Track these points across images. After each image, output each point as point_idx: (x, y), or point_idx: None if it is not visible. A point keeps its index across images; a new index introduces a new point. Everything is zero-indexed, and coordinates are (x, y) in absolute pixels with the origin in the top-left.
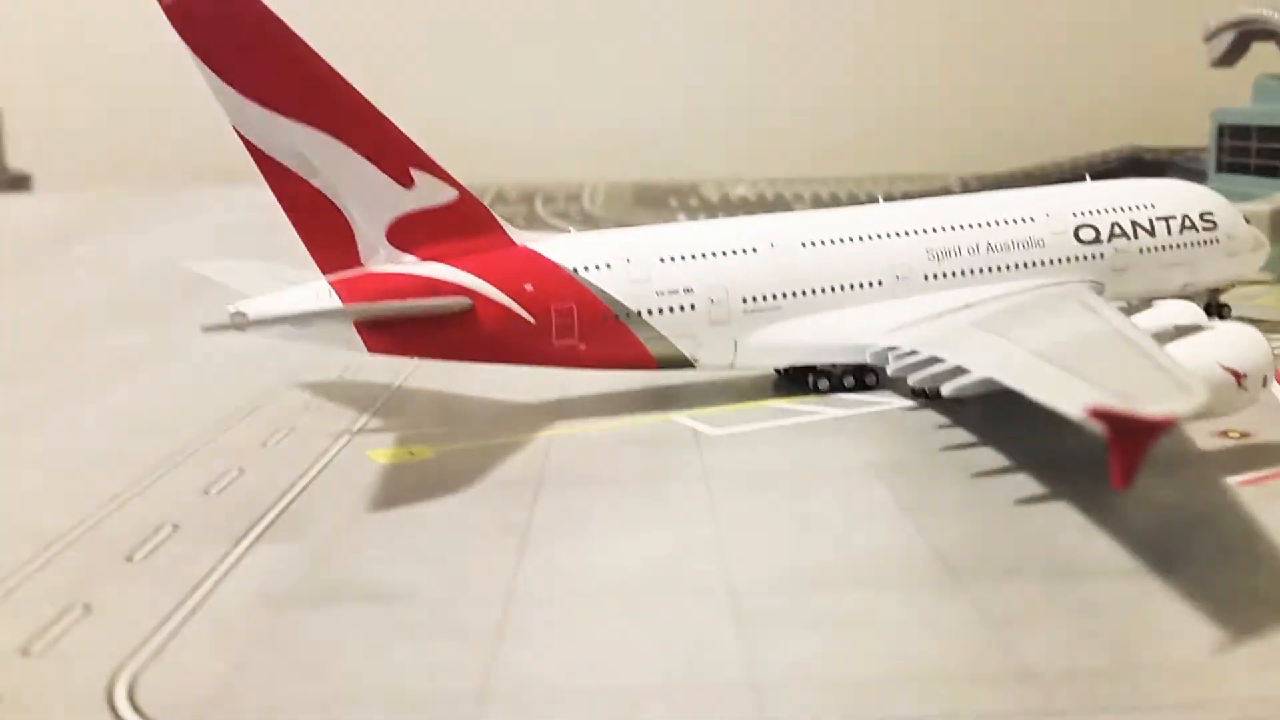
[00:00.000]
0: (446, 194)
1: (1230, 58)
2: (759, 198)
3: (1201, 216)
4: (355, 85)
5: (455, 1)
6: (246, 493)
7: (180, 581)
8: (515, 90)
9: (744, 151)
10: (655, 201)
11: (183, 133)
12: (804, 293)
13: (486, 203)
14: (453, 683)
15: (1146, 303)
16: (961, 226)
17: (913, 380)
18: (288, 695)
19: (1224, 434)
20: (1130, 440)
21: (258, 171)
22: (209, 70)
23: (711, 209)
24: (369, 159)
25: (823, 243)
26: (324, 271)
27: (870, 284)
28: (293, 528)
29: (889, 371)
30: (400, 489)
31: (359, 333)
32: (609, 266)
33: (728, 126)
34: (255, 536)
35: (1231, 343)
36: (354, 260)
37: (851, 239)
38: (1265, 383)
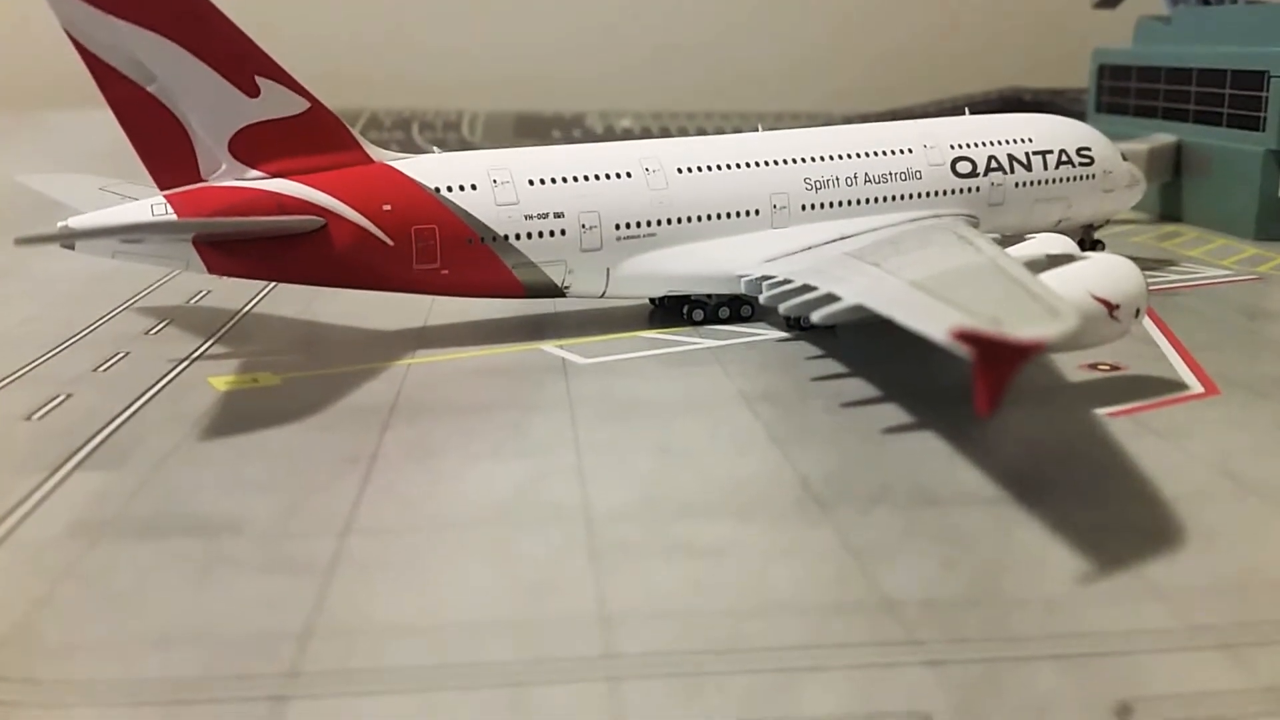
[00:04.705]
0: (296, 104)
1: (1113, 0)
2: (644, 131)
3: (1078, 152)
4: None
5: None
6: (72, 418)
7: None
8: (394, 14)
9: (631, 85)
10: (537, 132)
11: (37, 52)
12: (680, 220)
13: (358, 128)
14: (273, 621)
15: (1020, 236)
16: (840, 156)
17: (784, 308)
18: (90, 633)
19: (1094, 366)
20: (996, 365)
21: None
22: None
23: (595, 141)
24: (209, 64)
25: (700, 169)
26: (161, 187)
27: (747, 213)
28: (117, 455)
29: (762, 300)
30: (238, 417)
31: (198, 252)
32: (474, 188)
33: (615, 60)
34: (75, 464)
35: (1104, 273)
36: (193, 175)
37: (729, 166)
38: (1138, 315)
